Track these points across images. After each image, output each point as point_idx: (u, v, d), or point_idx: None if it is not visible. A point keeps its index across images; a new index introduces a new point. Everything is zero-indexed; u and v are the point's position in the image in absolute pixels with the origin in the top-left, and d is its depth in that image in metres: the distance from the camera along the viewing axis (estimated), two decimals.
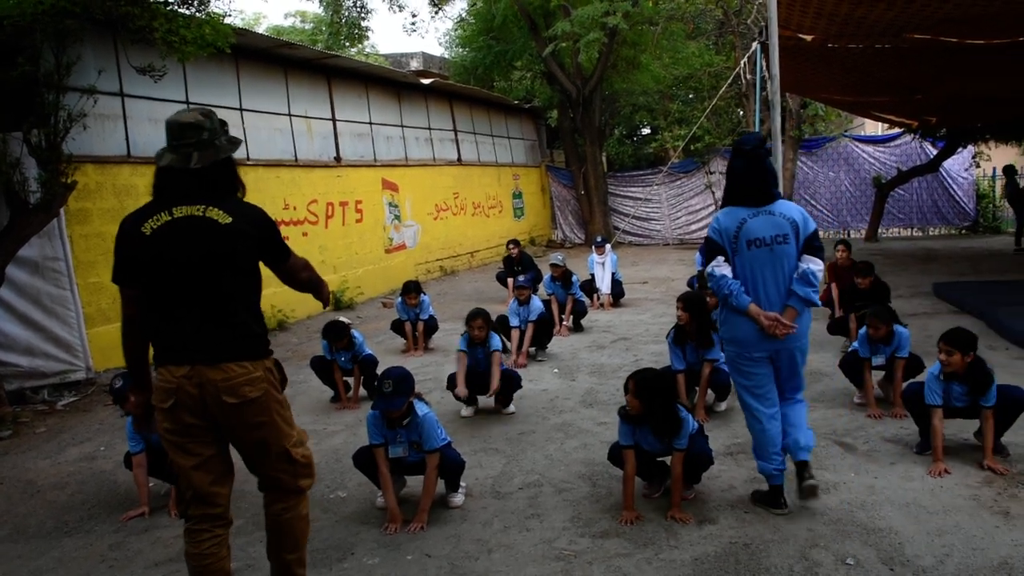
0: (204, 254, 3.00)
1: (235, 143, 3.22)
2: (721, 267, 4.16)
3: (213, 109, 3.30)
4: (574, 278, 9.90)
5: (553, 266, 9.80)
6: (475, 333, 6.31)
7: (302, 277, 3.43)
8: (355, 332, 7.03)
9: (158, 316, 3.07)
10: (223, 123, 3.22)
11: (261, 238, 3.12)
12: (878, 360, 5.90)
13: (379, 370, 7.14)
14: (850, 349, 6.25)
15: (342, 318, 7.36)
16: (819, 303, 4.37)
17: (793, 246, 4.14)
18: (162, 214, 3.02)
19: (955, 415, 4.91)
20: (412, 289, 8.94)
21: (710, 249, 4.24)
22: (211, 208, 3.02)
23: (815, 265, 4.11)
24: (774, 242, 4.13)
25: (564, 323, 9.76)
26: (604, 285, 11.35)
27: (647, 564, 3.81)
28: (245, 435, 3.13)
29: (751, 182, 4.21)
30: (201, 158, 3.05)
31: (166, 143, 3.11)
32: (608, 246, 11.40)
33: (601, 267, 11.36)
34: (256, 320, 3.16)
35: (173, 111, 3.39)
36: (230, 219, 3.02)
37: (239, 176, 3.27)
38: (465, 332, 6.44)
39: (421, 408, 4.48)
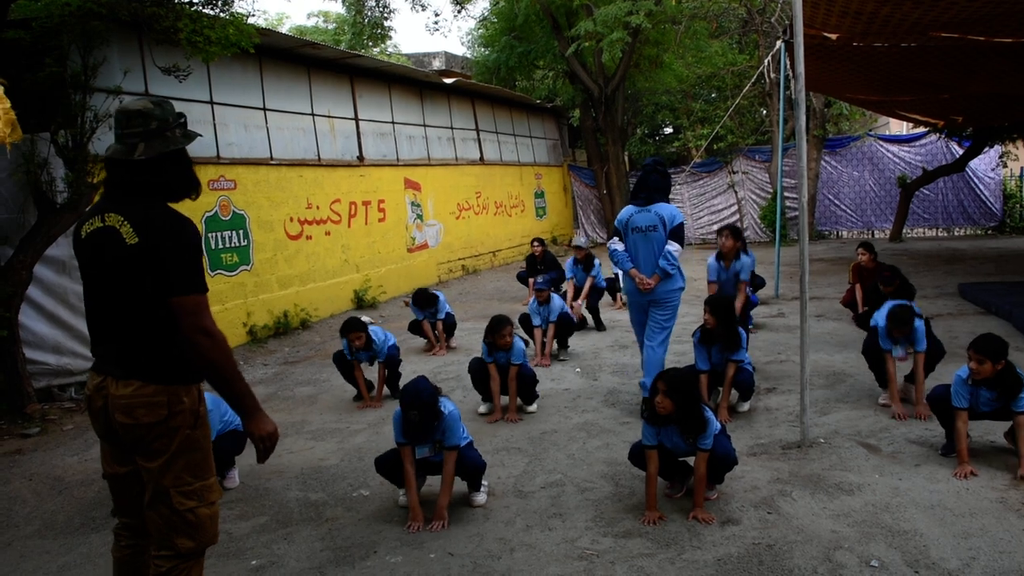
0: (112, 271, 2.79)
1: (190, 137, 2.98)
2: (616, 244, 6.17)
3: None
4: (596, 262, 10.24)
5: (576, 248, 10.17)
6: (507, 340, 6.27)
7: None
8: (375, 328, 7.03)
9: (87, 320, 2.96)
10: (180, 115, 2.95)
11: (156, 260, 2.74)
12: (899, 352, 5.84)
13: (402, 369, 7.21)
14: (871, 325, 6.14)
15: (364, 317, 7.38)
16: (672, 273, 5.95)
17: (661, 234, 5.95)
18: (96, 219, 2.83)
19: (983, 417, 4.85)
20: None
21: (613, 232, 6.25)
22: (126, 223, 2.76)
23: (674, 247, 5.90)
24: (648, 230, 5.99)
25: (577, 303, 9.91)
26: None
27: (670, 564, 3.80)
28: (140, 462, 2.84)
29: (640, 190, 6.16)
30: (147, 149, 2.80)
31: (114, 134, 2.91)
32: None
33: None
34: (168, 343, 2.80)
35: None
36: (137, 239, 2.73)
37: (194, 174, 3.02)
38: (485, 344, 6.40)
39: (446, 406, 4.49)
